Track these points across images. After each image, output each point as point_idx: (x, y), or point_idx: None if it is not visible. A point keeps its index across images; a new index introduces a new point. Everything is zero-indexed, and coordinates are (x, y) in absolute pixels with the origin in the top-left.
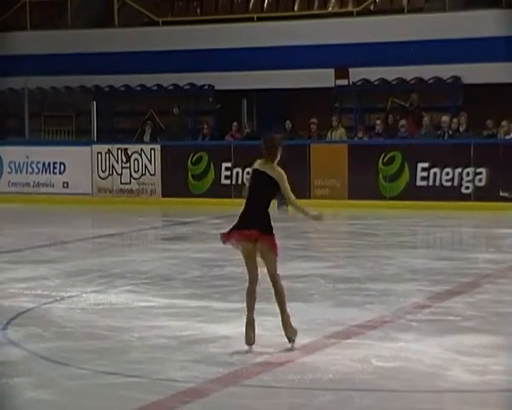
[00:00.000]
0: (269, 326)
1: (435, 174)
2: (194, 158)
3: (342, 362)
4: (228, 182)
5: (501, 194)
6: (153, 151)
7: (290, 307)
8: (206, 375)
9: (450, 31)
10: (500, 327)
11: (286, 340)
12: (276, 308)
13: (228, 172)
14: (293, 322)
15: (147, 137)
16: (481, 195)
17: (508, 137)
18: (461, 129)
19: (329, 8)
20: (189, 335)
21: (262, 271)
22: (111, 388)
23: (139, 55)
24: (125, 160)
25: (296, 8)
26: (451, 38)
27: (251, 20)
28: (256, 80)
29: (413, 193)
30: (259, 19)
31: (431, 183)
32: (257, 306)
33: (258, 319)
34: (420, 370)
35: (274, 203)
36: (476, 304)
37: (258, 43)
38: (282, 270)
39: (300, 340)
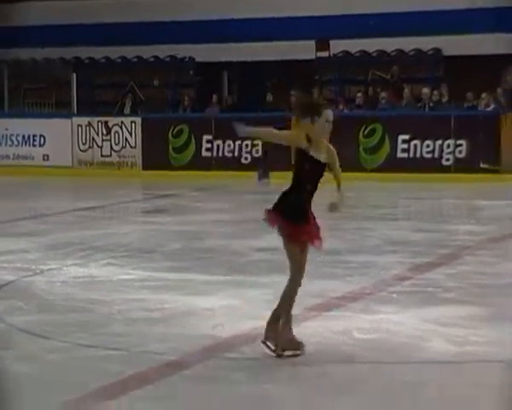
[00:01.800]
0: (252, 298)
1: (416, 146)
2: (175, 130)
3: (323, 334)
4: (209, 154)
5: (481, 165)
6: (133, 124)
7: (270, 279)
8: (188, 347)
9: (431, 2)
10: (480, 299)
11: (268, 312)
12: (261, 279)
13: (209, 145)
14: (272, 295)
15: (127, 110)
16: (462, 166)
17: (488, 109)
18: (443, 100)
19: None
20: (170, 307)
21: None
22: (92, 361)
23: (119, 26)
24: (105, 132)
25: None
26: (432, 10)
27: None
28: (237, 53)
29: (394, 165)
30: None
31: (411, 155)
32: (241, 277)
33: (241, 291)
34: (400, 341)
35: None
36: (457, 276)
37: (240, 14)
38: (260, 242)
39: None
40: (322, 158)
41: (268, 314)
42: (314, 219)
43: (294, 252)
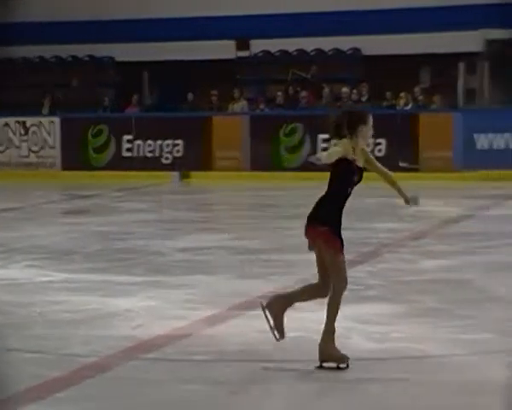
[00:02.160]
0: (173, 298)
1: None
2: (95, 131)
3: (246, 334)
4: (129, 155)
5: (400, 164)
6: (52, 124)
7: (193, 279)
8: (110, 349)
9: (350, 2)
10: (400, 296)
11: (190, 312)
12: (182, 280)
13: (129, 145)
14: (194, 295)
15: (46, 110)
16: (382, 165)
17: (406, 108)
18: (362, 99)
19: None
20: (91, 309)
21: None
22: (14, 363)
23: (37, 25)
24: (23, 133)
25: None
26: (351, 10)
27: None
28: (157, 52)
29: (313, 164)
30: None
31: None
32: (162, 277)
33: (162, 291)
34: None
35: None
36: (377, 273)
37: (160, 14)
38: (184, 242)
39: (204, 312)
40: (361, 163)
41: (190, 314)
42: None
43: (342, 264)
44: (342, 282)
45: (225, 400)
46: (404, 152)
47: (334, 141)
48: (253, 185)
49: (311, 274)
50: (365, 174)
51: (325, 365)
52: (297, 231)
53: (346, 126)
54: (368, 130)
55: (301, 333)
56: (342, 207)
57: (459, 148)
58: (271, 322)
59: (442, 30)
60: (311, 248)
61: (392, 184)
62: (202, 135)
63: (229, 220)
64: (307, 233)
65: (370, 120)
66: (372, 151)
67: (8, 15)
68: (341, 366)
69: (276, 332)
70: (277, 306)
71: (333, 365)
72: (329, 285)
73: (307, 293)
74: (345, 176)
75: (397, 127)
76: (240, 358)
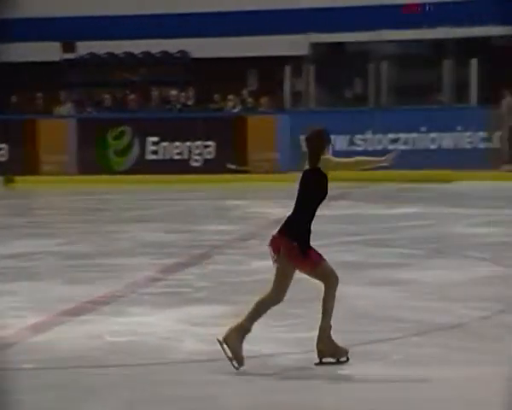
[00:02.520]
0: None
1: (165, 148)
2: None
3: (74, 340)
4: None
5: (228, 166)
6: None
7: (18, 286)
8: None
9: (177, 5)
10: (231, 297)
11: (16, 320)
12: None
13: None
14: (20, 302)
15: None
16: (210, 167)
17: (234, 111)
18: (189, 103)
19: None
20: None
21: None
22: None
23: None
24: None
25: None
26: (178, 13)
27: None
28: None
29: (143, 167)
30: None
31: (161, 156)
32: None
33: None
34: (153, 343)
35: None
36: (208, 275)
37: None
38: (9, 248)
39: (31, 319)
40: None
41: (15, 322)
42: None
43: (326, 268)
44: (332, 278)
45: (53, 406)
46: (232, 154)
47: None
48: (81, 189)
49: (141, 277)
50: (191, 177)
51: (325, 360)
52: (126, 234)
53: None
54: None
55: (132, 337)
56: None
57: (285, 149)
58: (229, 354)
59: (268, 33)
60: (274, 258)
61: (363, 164)
62: (26, 138)
63: (56, 225)
64: (274, 243)
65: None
66: (202, 154)
67: None
68: (342, 359)
69: (234, 362)
70: (234, 337)
71: (332, 360)
72: (283, 292)
73: (262, 308)
74: (320, 191)
75: (225, 130)
76: (69, 364)
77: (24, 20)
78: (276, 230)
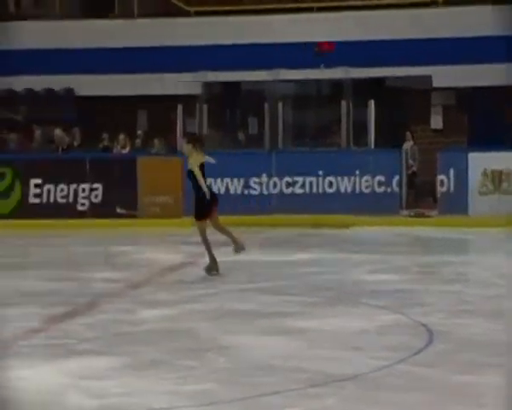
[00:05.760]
0: None
1: (49, 191)
2: None
3: None
4: None
5: (118, 210)
6: None
7: None
8: None
9: (59, 40)
10: (119, 348)
11: None
12: None
13: None
14: None
15: None
16: (98, 211)
17: (124, 152)
18: (75, 143)
19: None
20: None
21: None
22: None
23: None
24: None
25: None
26: (61, 48)
27: None
28: None
29: (25, 211)
30: None
31: (45, 200)
32: None
33: None
34: (35, 399)
35: None
36: (95, 325)
37: None
38: None
39: None
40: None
41: None
42: None
43: None
44: None
45: None
46: (122, 197)
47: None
48: None
49: (21, 328)
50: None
51: None
52: (6, 282)
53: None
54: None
55: (13, 393)
56: None
57: (179, 192)
58: None
59: (160, 71)
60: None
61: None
62: None
63: None
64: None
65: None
66: (89, 197)
67: None
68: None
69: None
70: None
71: None
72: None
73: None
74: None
75: (114, 171)
76: None
77: None
78: None
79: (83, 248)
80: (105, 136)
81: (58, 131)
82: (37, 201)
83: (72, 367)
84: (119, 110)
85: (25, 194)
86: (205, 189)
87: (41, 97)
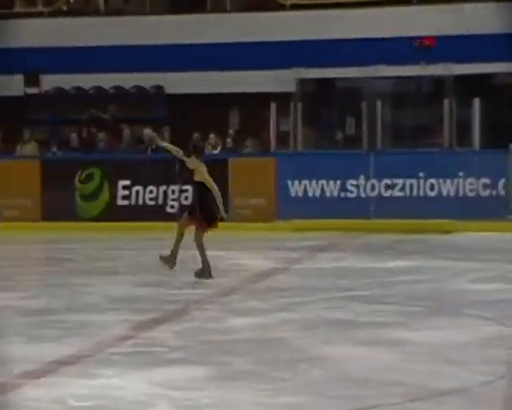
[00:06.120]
0: None
1: (138, 192)
2: None
3: (34, 404)
4: None
5: None
6: None
7: None
8: None
9: (151, 36)
10: (207, 357)
11: None
12: None
13: None
14: None
15: None
16: None
17: (215, 152)
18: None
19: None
20: None
21: None
22: None
23: None
24: None
25: None
26: (154, 44)
27: None
28: None
29: (114, 213)
30: None
31: (133, 202)
32: None
33: None
34: (123, 408)
35: None
36: (184, 333)
37: None
38: None
39: None
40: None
41: None
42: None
43: None
44: None
45: None
46: None
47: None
48: (44, 237)
49: (110, 335)
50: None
51: None
52: (94, 288)
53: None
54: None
55: (100, 401)
56: None
57: (272, 195)
58: None
59: (252, 68)
60: None
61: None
62: None
63: (17, 277)
64: None
65: None
66: (178, 199)
67: None
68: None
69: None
70: None
71: None
72: None
73: None
74: None
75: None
76: None
77: None
78: None
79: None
80: (196, 135)
81: (147, 131)
82: (125, 203)
83: (160, 377)
84: (210, 109)
85: (113, 195)
86: (220, 198)
87: (130, 95)
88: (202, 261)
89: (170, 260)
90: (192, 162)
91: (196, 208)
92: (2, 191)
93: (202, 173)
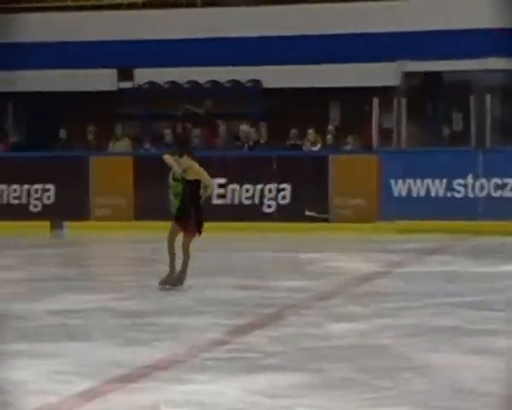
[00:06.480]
0: (42, 370)
1: (233, 191)
2: None
3: (126, 409)
4: None
5: (306, 213)
6: None
7: (65, 347)
8: None
9: (249, 27)
10: (304, 364)
11: (61, 386)
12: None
13: None
14: (66, 365)
15: None
16: (285, 214)
17: (314, 149)
18: (261, 140)
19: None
20: None
21: None
22: None
23: None
24: None
25: None
26: (250, 36)
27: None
28: (23, 82)
29: (208, 212)
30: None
31: (229, 201)
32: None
33: (30, 362)
34: None
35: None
36: (279, 338)
37: (25, 38)
38: (53, 304)
39: (78, 386)
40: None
41: (61, 388)
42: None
43: None
44: None
45: None
46: (311, 199)
47: None
48: (136, 237)
49: (204, 340)
50: (262, 225)
51: None
52: (188, 289)
53: None
54: None
55: (195, 408)
56: None
57: (374, 194)
58: None
59: (354, 61)
60: None
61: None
62: (77, 178)
63: (109, 278)
64: None
65: None
66: (275, 198)
67: None
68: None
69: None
70: None
71: None
72: None
73: None
74: None
75: (303, 171)
76: None
77: (74, 45)
78: None
79: (269, 253)
80: (293, 132)
81: (244, 127)
82: (220, 202)
83: (256, 384)
84: (308, 104)
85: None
86: (213, 188)
87: (226, 90)
88: (181, 270)
89: (178, 281)
90: (185, 162)
91: (188, 212)
92: (94, 189)
93: (195, 169)
